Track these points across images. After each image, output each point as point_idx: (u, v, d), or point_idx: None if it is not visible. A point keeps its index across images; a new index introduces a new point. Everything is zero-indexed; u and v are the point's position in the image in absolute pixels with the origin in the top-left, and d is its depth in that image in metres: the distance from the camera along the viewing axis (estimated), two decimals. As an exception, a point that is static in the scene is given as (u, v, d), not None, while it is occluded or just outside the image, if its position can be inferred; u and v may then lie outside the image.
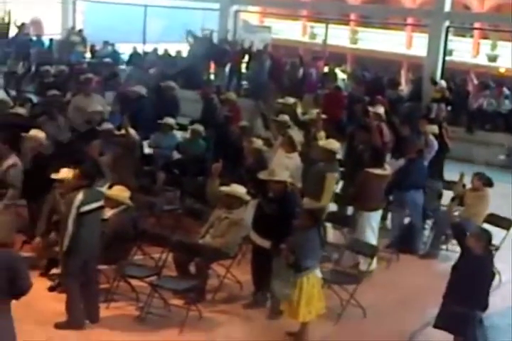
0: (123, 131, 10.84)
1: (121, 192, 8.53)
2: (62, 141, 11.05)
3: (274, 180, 8.32)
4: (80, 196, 7.54)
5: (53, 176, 8.42)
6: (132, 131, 10.99)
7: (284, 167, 9.29)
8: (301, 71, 19.12)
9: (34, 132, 9.92)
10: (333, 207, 10.45)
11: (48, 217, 8.79)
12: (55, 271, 8.72)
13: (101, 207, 7.87)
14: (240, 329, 8.10)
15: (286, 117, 11.38)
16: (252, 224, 8.47)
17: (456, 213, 9.68)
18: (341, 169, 10.70)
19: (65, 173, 8.45)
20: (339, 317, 8.23)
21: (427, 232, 11.14)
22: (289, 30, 32.88)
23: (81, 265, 7.61)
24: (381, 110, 12.10)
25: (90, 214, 7.60)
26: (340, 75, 20.12)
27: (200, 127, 12.33)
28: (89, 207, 7.58)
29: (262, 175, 8.49)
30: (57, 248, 8.03)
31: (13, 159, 9.42)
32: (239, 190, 8.69)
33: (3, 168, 9.31)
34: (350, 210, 10.60)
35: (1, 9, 26.06)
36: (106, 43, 22.58)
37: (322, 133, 10.61)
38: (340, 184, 11.20)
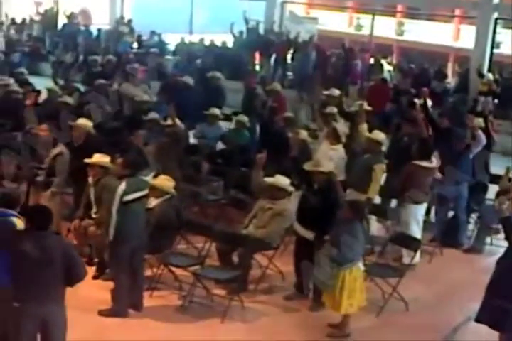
0: (169, 121, 10.91)
1: (165, 181, 8.59)
2: (109, 129, 11.12)
3: (318, 171, 8.31)
4: (122, 185, 7.61)
5: (86, 161, 8.52)
6: (178, 121, 11.06)
7: (329, 158, 9.26)
8: (346, 62, 19.03)
9: (82, 121, 10.00)
10: (376, 199, 10.40)
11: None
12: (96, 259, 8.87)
13: (145, 196, 7.91)
14: (282, 320, 8.10)
15: (333, 109, 11.35)
16: (296, 215, 8.47)
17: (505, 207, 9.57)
18: (385, 161, 10.65)
19: (98, 158, 8.56)
20: (381, 310, 8.20)
21: (471, 226, 11.05)
22: (335, 22, 32.70)
23: (128, 253, 7.68)
24: (429, 103, 12.00)
25: (134, 203, 7.65)
26: (386, 67, 19.98)
27: (244, 118, 12.36)
28: (133, 197, 7.63)
29: (307, 166, 8.48)
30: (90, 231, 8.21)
31: (59, 148, 9.55)
32: (282, 181, 8.70)
33: (51, 156, 9.45)
34: (393, 203, 10.55)
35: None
36: (153, 33, 22.76)
37: (364, 126, 10.56)
38: (384, 176, 11.14)
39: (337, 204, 8.00)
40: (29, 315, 5.79)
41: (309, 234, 8.14)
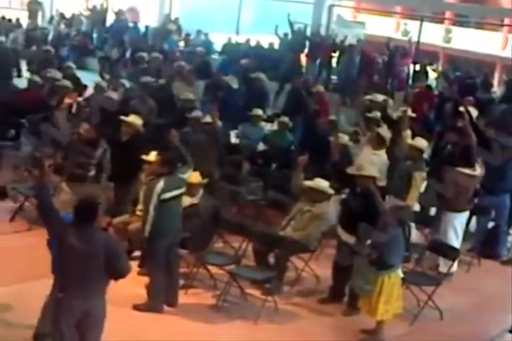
0: (208, 119, 10.92)
1: (198, 178, 8.64)
2: (153, 126, 11.21)
3: (362, 175, 8.30)
4: (161, 183, 7.65)
5: (143, 157, 8.56)
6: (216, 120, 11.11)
7: (371, 163, 9.24)
8: (391, 67, 18.93)
9: (132, 118, 10.06)
10: (416, 206, 10.35)
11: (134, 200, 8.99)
12: (137, 253, 8.94)
13: (182, 194, 7.98)
14: (315, 323, 8.09)
15: (377, 114, 11.32)
16: (338, 219, 8.45)
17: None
18: (426, 169, 10.59)
19: (155, 156, 8.62)
20: (415, 318, 8.16)
21: (510, 238, 10.94)
22: (382, 26, 32.56)
23: (164, 250, 7.74)
24: (474, 112, 11.90)
25: (171, 201, 7.71)
26: (432, 74, 19.85)
27: (287, 119, 12.38)
28: (170, 195, 7.69)
29: (350, 170, 8.47)
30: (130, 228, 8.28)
31: (104, 144, 9.66)
32: (323, 184, 8.70)
33: (98, 152, 9.53)
34: (433, 211, 10.48)
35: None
36: (199, 32, 22.86)
37: (408, 132, 10.51)
38: (425, 183, 11.08)
39: (379, 209, 7.97)
40: (71, 307, 5.86)
41: (351, 239, 8.13)
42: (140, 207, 8.73)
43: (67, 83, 12.79)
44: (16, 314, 7.46)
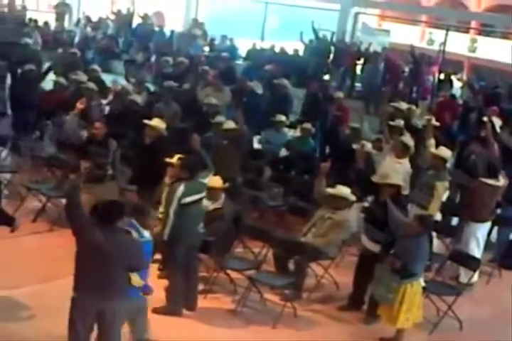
0: (229, 125, 10.91)
1: (218, 183, 8.65)
2: (176, 130, 11.24)
3: (387, 184, 8.29)
4: (181, 187, 7.67)
5: (168, 160, 8.59)
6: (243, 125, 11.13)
7: (395, 172, 9.22)
8: (416, 75, 18.89)
9: (156, 121, 10.11)
10: (437, 216, 10.30)
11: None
12: (157, 256, 8.96)
13: (202, 199, 7.98)
14: (334, 330, 8.07)
15: (401, 122, 11.30)
16: (362, 227, 8.44)
17: None
18: (449, 178, 10.54)
19: (176, 159, 8.65)
20: (435, 328, 8.12)
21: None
22: (407, 35, 32.47)
23: (183, 253, 7.76)
24: (498, 122, 11.85)
25: (191, 205, 7.72)
26: (456, 83, 19.78)
27: (310, 126, 12.38)
28: (191, 199, 7.70)
29: (376, 178, 8.45)
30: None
31: (115, 143, 9.75)
32: (345, 191, 8.69)
33: (111, 152, 9.61)
34: (455, 221, 10.43)
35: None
36: (224, 37, 22.91)
37: (432, 141, 10.49)
38: (447, 193, 11.02)
39: (395, 219, 7.95)
40: (85, 307, 5.90)
41: (375, 247, 8.10)
42: (162, 210, 8.76)
43: (92, 85, 12.86)
44: (35, 314, 7.49)
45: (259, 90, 14.82)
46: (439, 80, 19.13)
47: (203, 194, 7.96)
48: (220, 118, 11.53)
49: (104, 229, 5.88)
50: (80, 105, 9.63)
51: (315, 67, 20.32)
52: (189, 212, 7.71)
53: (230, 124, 10.94)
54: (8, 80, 16.75)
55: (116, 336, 6.07)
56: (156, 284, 7.99)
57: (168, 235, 7.69)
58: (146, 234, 6.72)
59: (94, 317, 5.94)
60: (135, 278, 6.18)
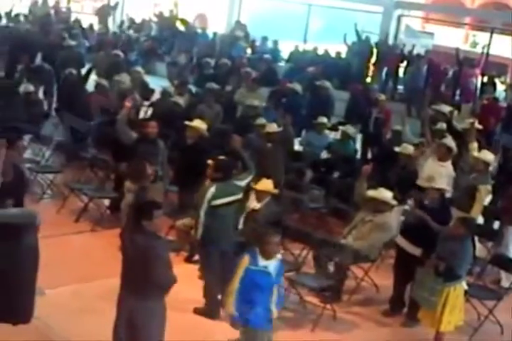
0: (272, 128, 10.92)
1: (268, 184, 8.66)
2: (217, 132, 11.30)
3: (433, 188, 8.25)
4: (212, 189, 7.67)
5: (209, 162, 8.63)
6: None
7: (438, 175, 9.16)
8: (460, 78, 18.75)
9: (197, 122, 10.15)
10: (479, 219, 10.20)
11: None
12: (197, 257, 9.01)
13: (238, 201, 7.90)
14: (373, 334, 8.04)
15: (443, 125, 11.22)
16: (401, 230, 8.40)
17: None
18: (492, 182, 10.44)
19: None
20: (475, 332, 8.04)
21: None
22: (450, 37, 32.18)
23: (217, 255, 7.73)
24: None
25: (223, 207, 7.69)
26: (500, 86, 19.59)
27: (351, 129, 12.35)
28: (222, 201, 7.67)
29: (421, 182, 8.42)
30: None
31: (162, 143, 9.77)
32: (386, 194, 8.65)
33: (160, 151, 9.67)
34: (497, 225, 10.33)
35: (170, 1, 26.91)
36: (264, 39, 22.91)
37: (475, 144, 10.39)
38: (490, 197, 10.92)
39: (448, 221, 7.91)
40: (120, 306, 5.96)
41: (417, 250, 8.04)
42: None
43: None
44: (74, 313, 7.56)
45: (299, 91, 14.79)
46: (483, 83, 18.95)
47: (238, 196, 7.90)
48: (260, 120, 11.56)
49: (133, 230, 5.85)
50: (128, 104, 9.60)
51: (357, 69, 20.27)
52: (220, 213, 7.69)
53: (273, 127, 10.96)
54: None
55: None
56: (198, 285, 8.09)
57: (202, 236, 7.72)
58: (263, 262, 6.23)
59: (127, 318, 5.90)
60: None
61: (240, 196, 7.93)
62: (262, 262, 6.20)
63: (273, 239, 6.22)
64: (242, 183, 7.97)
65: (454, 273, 7.32)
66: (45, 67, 16.06)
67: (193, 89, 15.50)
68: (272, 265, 6.23)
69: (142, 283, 5.75)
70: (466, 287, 7.56)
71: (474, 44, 31.70)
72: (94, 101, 13.12)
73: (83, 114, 12.84)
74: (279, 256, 6.40)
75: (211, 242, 7.72)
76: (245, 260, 6.22)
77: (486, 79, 19.17)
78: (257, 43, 23.00)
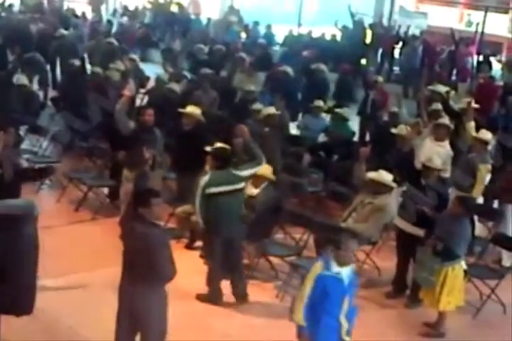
0: (270, 111, 10.90)
1: (265, 170, 8.63)
2: (214, 118, 11.27)
3: (432, 168, 8.24)
4: (206, 177, 7.64)
5: (207, 149, 8.60)
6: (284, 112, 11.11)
7: (436, 155, 9.14)
8: (455, 58, 18.71)
9: (191, 108, 10.11)
10: (479, 199, 10.21)
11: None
12: (199, 243, 9.03)
13: (239, 190, 7.77)
14: (376, 316, 8.04)
15: (439, 105, 11.19)
16: (400, 211, 8.40)
17: None
18: (491, 161, 10.43)
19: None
20: (478, 312, 8.06)
21: None
22: (445, 17, 32.07)
23: (220, 244, 7.71)
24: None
25: (219, 196, 7.61)
26: (496, 65, 19.53)
27: (348, 111, 12.34)
28: (216, 190, 7.60)
29: (418, 162, 8.40)
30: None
31: (158, 130, 9.75)
32: (385, 176, 8.64)
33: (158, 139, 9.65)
34: (497, 204, 10.33)
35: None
36: (256, 24, 22.80)
37: (472, 124, 10.36)
38: (489, 176, 10.91)
39: (447, 201, 7.90)
40: (121, 295, 5.94)
41: (418, 231, 8.02)
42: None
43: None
44: (80, 302, 7.59)
45: (291, 74, 14.73)
46: (478, 62, 18.92)
47: (236, 186, 7.73)
48: (257, 105, 11.53)
49: (133, 219, 5.80)
50: (127, 92, 9.52)
51: (352, 51, 20.21)
52: (218, 202, 7.62)
53: (271, 110, 10.93)
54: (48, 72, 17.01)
55: (151, 329, 5.96)
56: (200, 271, 8.10)
57: (202, 224, 7.73)
58: (337, 269, 5.88)
59: (129, 307, 5.86)
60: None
61: (239, 186, 7.76)
62: (335, 268, 5.85)
63: (350, 244, 5.90)
64: (244, 173, 7.78)
65: (452, 253, 7.32)
66: (37, 57, 16.00)
67: (188, 75, 15.44)
68: (345, 272, 5.89)
69: (142, 271, 5.71)
70: (465, 267, 7.56)
71: (469, 23, 31.56)
72: (89, 90, 13.05)
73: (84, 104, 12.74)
74: (353, 265, 6.12)
75: (211, 230, 7.72)
76: (318, 266, 5.90)
77: (481, 58, 19.14)
78: (251, 28, 22.91)
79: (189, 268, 7.81)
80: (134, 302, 5.81)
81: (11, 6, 23.30)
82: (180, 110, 9.99)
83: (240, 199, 7.89)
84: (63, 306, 7.38)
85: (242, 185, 7.81)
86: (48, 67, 17.25)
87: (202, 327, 7.39)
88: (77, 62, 14.41)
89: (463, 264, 7.50)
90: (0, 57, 16.95)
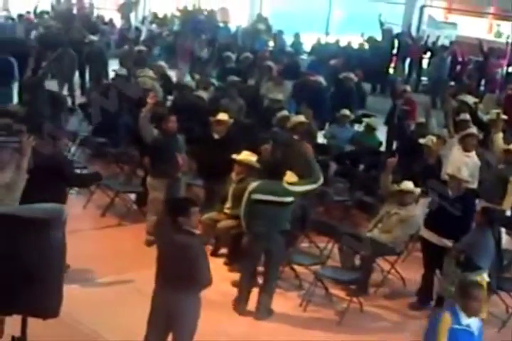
0: (298, 119, 10.90)
1: (289, 177, 8.62)
2: (244, 124, 11.30)
3: (459, 179, 8.19)
4: (255, 183, 7.73)
5: (235, 157, 8.63)
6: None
7: (464, 165, 9.09)
8: (484, 69, 18.62)
9: (221, 115, 10.17)
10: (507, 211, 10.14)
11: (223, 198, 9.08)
12: (223, 250, 9.05)
13: (281, 203, 7.70)
14: (399, 327, 8.03)
15: (467, 116, 11.14)
16: (426, 222, 8.36)
17: None
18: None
19: (246, 156, 8.69)
20: (504, 325, 8.00)
21: None
22: (474, 28, 31.92)
23: (256, 252, 7.75)
24: None
25: (261, 204, 7.65)
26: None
27: (375, 121, 12.31)
28: (261, 197, 7.64)
29: (445, 173, 8.36)
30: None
31: (180, 137, 9.81)
32: (411, 186, 8.61)
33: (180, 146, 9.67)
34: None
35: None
36: (280, 33, 22.76)
37: (500, 135, 10.31)
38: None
39: (473, 212, 7.86)
40: (155, 302, 5.97)
41: (445, 242, 7.99)
42: (228, 205, 8.81)
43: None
44: (102, 307, 7.60)
45: (323, 84, 14.74)
46: (507, 73, 18.81)
47: (283, 198, 7.65)
48: (284, 113, 11.54)
49: (169, 226, 5.86)
50: (150, 100, 9.57)
51: (380, 60, 20.18)
52: (259, 209, 7.66)
53: (301, 118, 10.93)
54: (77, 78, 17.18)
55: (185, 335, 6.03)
56: (223, 278, 8.11)
57: (245, 229, 7.81)
58: (466, 320, 5.47)
59: (165, 314, 5.92)
60: None
61: (286, 199, 7.68)
62: (464, 320, 5.45)
63: (478, 293, 5.49)
64: (295, 188, 7.72)
65: (473, 264, 7.23)
66: (66, 63, 16.17)
67: (216, 83, 15.49)
68: (474, 323, 5.51)
69: (181, 278, 5.78)
70: (487, 279, 7.47)
71: (499, 34, 31.40)
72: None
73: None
74: (483, 314, 5.82)
75: (250, 236, 7.75)
76: (447, 318, 5.43)
77: (511, 69, 19.04)
78: (278, 36, 22.94)
79: (214, 275, 7.82)
80: (170, 307, 5.86)
81: (42, 13, 23.50)
82: (214, 117, 10.04)
83: (285, 212, 7.75)
84: (88, 309, 7.40)
85: (289, 199, 7.70)
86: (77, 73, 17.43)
87: (223, 334, 7.39)
88: (121, 71, 14.48)
89: (485, 276, 7.41)
90: (35, 64, 17.15)
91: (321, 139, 13.05)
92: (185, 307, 5.89)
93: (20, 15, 23.46)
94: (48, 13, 24.28)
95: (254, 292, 7.89)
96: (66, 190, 8.27)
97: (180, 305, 5.85)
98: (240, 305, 7.86)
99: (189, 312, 5.92)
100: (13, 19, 22.38)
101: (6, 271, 4.57)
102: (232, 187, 8.80)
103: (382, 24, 20.74)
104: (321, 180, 7.86)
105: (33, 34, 20.43)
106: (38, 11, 23.54)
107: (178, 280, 5.80)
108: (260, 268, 8.00)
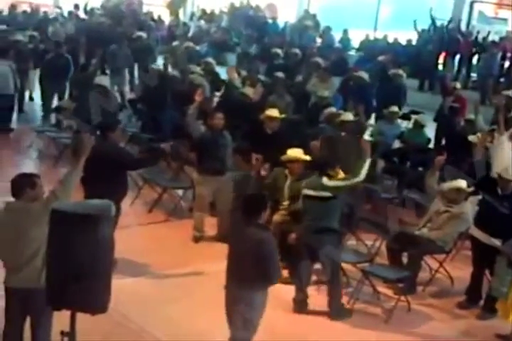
0: (347, 117, 10.86)
1: (300, 153, 8.70)
2: (292, 121, 11.29)
3: (505, 179, 8.07)
4: (307, 179, 7.85)
5: (290, 155, 8.68)
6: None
7: (515, 163, 8.95)
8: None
9: (274, 112, 10.21)
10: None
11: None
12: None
13: (319, 198, 7.69)
14: (447, 326, 7.94)
15: (516, 112, 11.01)
16: (476, 221, 8.26)
17: None
18: None
19: (297, 153, 8.67)
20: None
21: None
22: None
23: (305, 250, 7.75)
24: None
25: (306, 199, 7.74)
26: None
27: (424, 117, 12.21)
28: (305, 192, 7.74)
29: (498, 173, 8.24)
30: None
31: (228, 134, 9.84)
32: (462, 184, 8.52)
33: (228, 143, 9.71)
34: None
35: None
36: (328, 29, 22.69)
37: (552, 132, 10.15)
38: None
39: None
40: (226, 295, 6.09)
41: (495, 241, 7.89)
42: (286, 202, 8.77)
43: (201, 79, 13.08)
44: (149, 302, 7.64)
45: (366, 79, 14.62)
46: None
47: (320, 193, 7.63)
48: (331, 110, 11.50)
49: (242, 223, 5.99)
50: (198, 97, 9.59)
51: (429, 57, 19.98)
52: (304, 205, 7.80)
53: (349, 116, 10.88)
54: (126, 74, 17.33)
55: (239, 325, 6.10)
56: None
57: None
58: None
59: (232, 305, 6.04)
60: None
61: (321, 194, 7.64)
62: None
63: None
64: (330, 183, 7.66)
65: None
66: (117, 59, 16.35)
67: (263, 79, 15.48)
68: None
69: (250, 274, 5.86)
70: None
71: (551, 29, 30.90)
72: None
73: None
74: None
75: (297, 230, 7.84)
76: None
77: None
78: (326, 32, 22.87)
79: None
80: (236, 302, 5.98)
81: (92, 9, 23.75)
82: (267, 113, 10.05)
83: (325, 208, 7.68)
84: (135, 305, 7.45)
85: (326, 194, 7.63)
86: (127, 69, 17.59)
87: (268, 330, 7.39)
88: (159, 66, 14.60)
89: (537, 275, 7.33)
90: (85, 60, 17.36)
91: (366, 136, 12.97)
92: (251, 303, 5.97)
93: (70, 12, 23.79)
94: (98, 9, 24.52)
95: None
96: (127, 178, 8.54)
97: (248, 301, 5.95)
98: (295, 303, 7.86)
99: (254, 309, 6.01)
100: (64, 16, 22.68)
101: (58, 267, 4.65)
102: (289, 184, 8.76)
103: (433, 19, 20.52)
104: (360, 178, 7.79)
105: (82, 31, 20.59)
106: (89, 8, 23.76)
107: (247, 276, 5.88)
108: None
